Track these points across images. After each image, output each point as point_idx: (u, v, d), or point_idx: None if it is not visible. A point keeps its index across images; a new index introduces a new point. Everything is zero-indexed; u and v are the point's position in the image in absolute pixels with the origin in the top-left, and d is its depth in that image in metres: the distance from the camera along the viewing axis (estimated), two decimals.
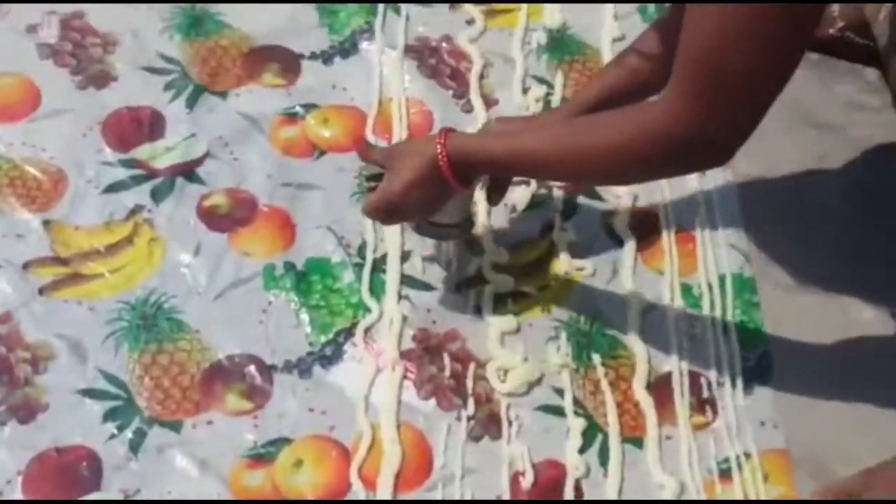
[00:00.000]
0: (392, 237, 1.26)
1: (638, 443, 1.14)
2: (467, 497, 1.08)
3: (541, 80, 1.45)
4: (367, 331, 1.19)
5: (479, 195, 1.25)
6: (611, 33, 1.51)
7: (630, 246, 1.29)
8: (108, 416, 1.10)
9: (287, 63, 1.43)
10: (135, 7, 1.46)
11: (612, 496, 1.09)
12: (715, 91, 0.92)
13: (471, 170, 1.09)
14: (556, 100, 1.42)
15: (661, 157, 0.98)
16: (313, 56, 1.44)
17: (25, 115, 1.33)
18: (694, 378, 1.18)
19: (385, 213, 1.12)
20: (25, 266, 1.20)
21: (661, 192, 1.34)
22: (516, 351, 1.19)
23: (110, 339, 1.15)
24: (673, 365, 1.19)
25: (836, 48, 1.49)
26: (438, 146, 1.07)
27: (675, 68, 0.94)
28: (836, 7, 1.47)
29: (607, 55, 1.48)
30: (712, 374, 1.19)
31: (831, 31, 1.47)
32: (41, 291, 1.18)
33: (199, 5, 1.46)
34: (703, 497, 1.10)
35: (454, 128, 1.12)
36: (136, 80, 1.39)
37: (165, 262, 1.22)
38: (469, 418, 1.13)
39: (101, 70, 1.39)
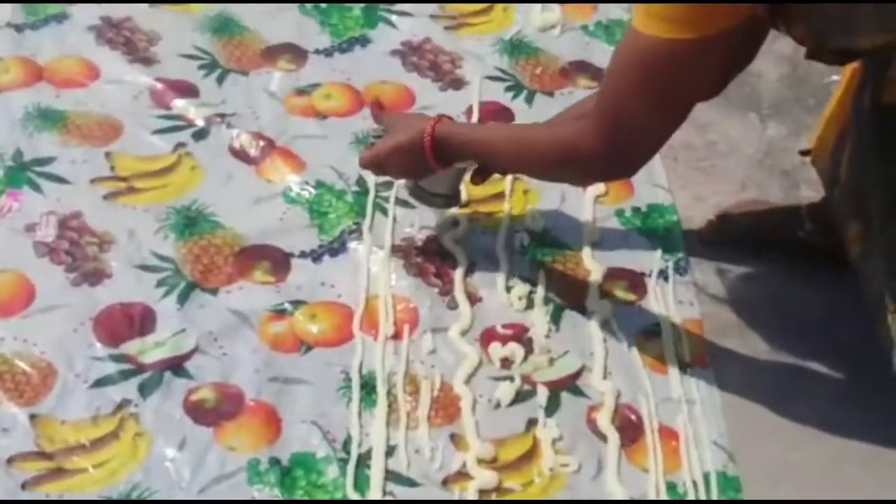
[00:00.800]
0: (378, 432, 1.27)
1: None
2: None
3: (524, 279, 1.49)
4: None
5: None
6: (591, 237, 1.56)
7: (614, 443, 1.30)
8: None
9: (277, 261, 1.47)
10: (132, 207, 1.51)
11: None
12: (611, 124, 1.14)
13: (447, 152, 1.33)
14: (538, 298, 1.46)
15: (572, 166, 1.23)
16: (303, 255, 1.48)
17: (19, 311, 1.35)
18: None
19: (373, 164, 1.41)
20: (9, 461, 1.19)
21: (644, 389, 1.36)
22: None
23: None
24: None
25: (809, 252, 1.54)
26: (428, 127, 1.32)
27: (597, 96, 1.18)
28: (804, 210, 1.53)
29: (587, 256, 1.53)
30: None
31: (801, 233, 1.53)
32: (24, 486, 1.17)
33: (194, 206, 1.52)
34: None
35: (452, 118, 1.37)
36: (129, 277, 1.42)
37: (150, 456, 1.22)
38: None
39: (96, 267, 1.42)
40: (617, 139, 1.15)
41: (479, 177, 1.43)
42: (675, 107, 1.14)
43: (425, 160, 1.33)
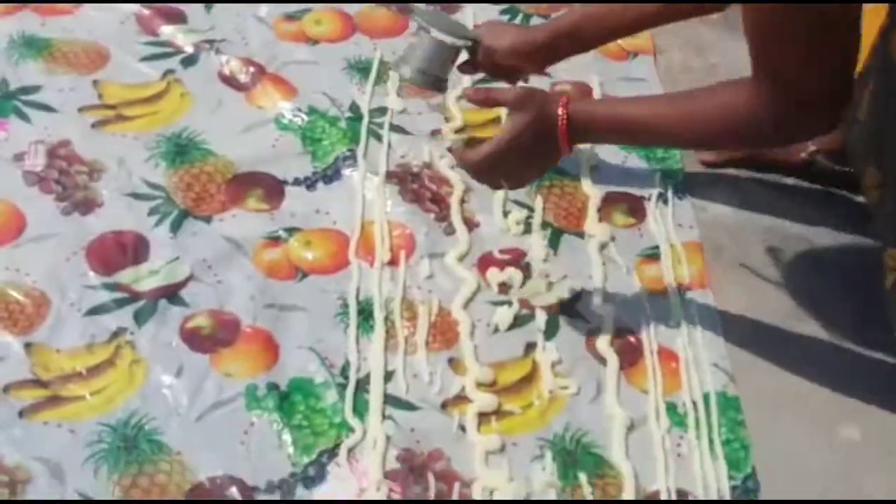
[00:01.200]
0: (376, 357, 1.26)
1: None
2: None
3: (521, 204, 1.47)
4: (350, 451, 1.17)
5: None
6: (589, 161, 1.54)
7: (613, 365, 1.29)
8: None
9: (271, 189, 1.45)
10: (121, 135, 1.48)
11: None
12: (777, 82, 1.04)
13: (583, 134, 1.20)
14: (536, 223, 1.44)
15: (755, 132, 1.12)
16: (297, 182, 1.46)
17: (10, 241, 1.34)
18: (682, 497, 1.17)
19: (493, 157, 1.21)
20: (5, 389, 1.18)
21: (643, 312, 1.35)
22: (501, 470, 1.17)
23: (90, 462, 1.13)
24: (660, 484, 1.18)
25: (809, 173, 1.52)
26: (560, 108, 1.17)
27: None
28: None
29: (586, 181, 1.51)
30: (700, 493, 1.18)
31: (803, 154, 1.51)
32: (21, 414, 1.16)
33: (184, 134, 1.49)
34: None
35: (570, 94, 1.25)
36: (120, 205, 1.40)
37: (147, 383, 1.21)
38: None
39: (86, 196, 1.40)
40: (786, 102, 1.05)
41: (469, 66, 1.36)
42: (833, 43, 1.01)
43: (556, 145, 1.20)
